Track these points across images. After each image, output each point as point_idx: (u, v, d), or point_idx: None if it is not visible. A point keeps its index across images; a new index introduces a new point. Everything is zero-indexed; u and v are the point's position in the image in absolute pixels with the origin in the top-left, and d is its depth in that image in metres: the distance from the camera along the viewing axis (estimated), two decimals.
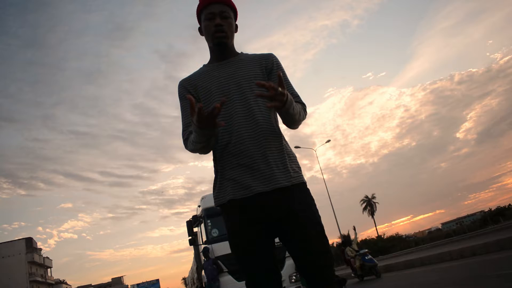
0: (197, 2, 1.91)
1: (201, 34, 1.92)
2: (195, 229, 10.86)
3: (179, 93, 1.88)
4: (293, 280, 9.50)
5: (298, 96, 1.91)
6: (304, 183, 1.79)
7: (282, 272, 9.35)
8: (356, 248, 14.18)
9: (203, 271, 9.85)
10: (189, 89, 1.85)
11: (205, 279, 9.52)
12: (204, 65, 1.94)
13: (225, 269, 9.31)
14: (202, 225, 10.17)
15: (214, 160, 1.83)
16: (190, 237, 10.46)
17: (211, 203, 10.13)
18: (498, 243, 10.39)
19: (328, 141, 33.82)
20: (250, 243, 1.67)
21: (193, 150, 1.77)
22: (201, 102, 1.77)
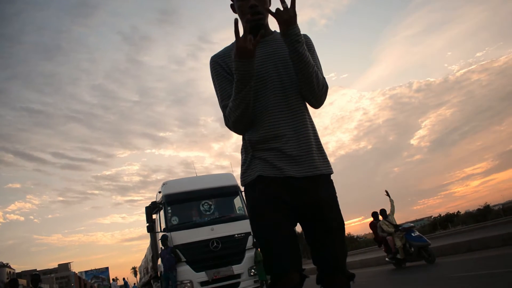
0: None
1: (234, 11, 1.84)
2: (154, 216, 10.44)
3: (212, 69, 1.82)
4: (251, 274, 9.29)
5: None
6: (331, 174, 1.78)
7: (241, 265, 9.18)
8: (394, 221, 10.25)
9: (159, 260, 9.46)
10: (221, 65, 1.79)
11: (161, 268, 9.13)
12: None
13: (183, 259, 8.95)
14: (162, 212, 9.77)
15: (244, 139, 1.79)
16: (148, 224, 10.03)
17: (172, 189, 9.87)
18: (453, 247, 10.65)
19: None
20: (275, 216, 1.63)
21: (234, 117, 1.69)
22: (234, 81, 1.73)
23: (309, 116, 1.79)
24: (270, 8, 1.78)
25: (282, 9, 1.60)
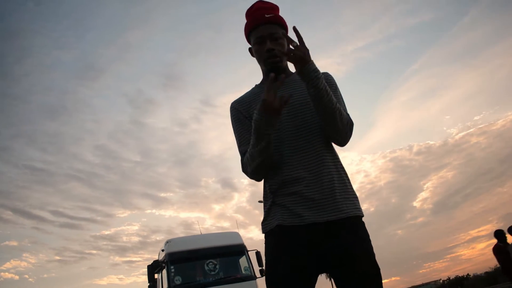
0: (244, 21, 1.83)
1: (252, 55, 1.84)
2: (156, 276, 10.00)
3: (232, 116, 1.81)
4: None
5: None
6: (361, 217, 1.66)
7: None
8: None
9: None
10: (241, 111, 1.77)
11: None
12: (256, 85, 1.86)
13: None
14: (164, 271, 9.35)
15: (264, 186, 1.74)
16: (150, 284, 9.58)
17: (176, 247, 9.50)
18: None
19: None
20: (291, 271, 1.54)
21: (252, 168, 1.67)
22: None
23: (333, 156, 1.70)
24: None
25: (292, 48, 1.57)
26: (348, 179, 1.70)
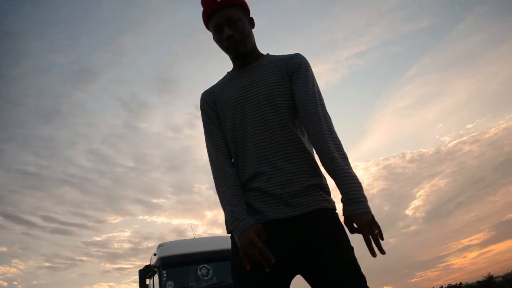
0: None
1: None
2: (147, 281, 9.77)
3: (200, 108, 1.74)
4: None
5: (322, 117, 1.55)
6: (330, 209, 1.51)
7: None
8: None
9: None
10: (209, 103, 1.71)
11: None
12: (227, 73, 1.78)
13: None
14: (156, 276, 9.15)
15: None
16: None
17: (169, 251, 9.30)
18: None
19: None
20: (253, 277, 1.40)
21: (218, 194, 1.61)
22: (221, 118, 1.66)
23: (302, 149, 1.54)
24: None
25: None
26: (320, 172, 1.55)
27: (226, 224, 1.55)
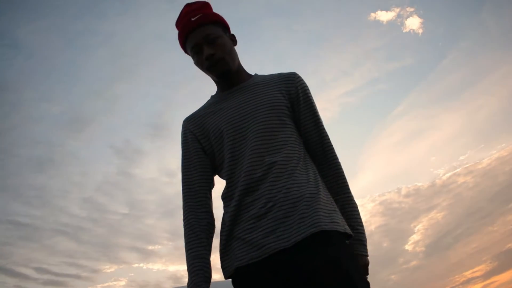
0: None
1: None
2: None
3: (181, 136, 1.49)
4: None
5: (331, 147, 1.48)
6: (340, 233, 1.23)
7: None
8: None
9: None
10: (193, 131, 1.45)
11: None
12: (211, 96, 1.53)
13: None
14: None
15: (225, 212, 1.39)
16: None
17: None
18: None
19: None
20: None
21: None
22: (213, 145, 1.40)
23: (305, 167, 1.35)
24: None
25: None
26: (326, 193, 1.33)
27: (223, 269, 1.35)
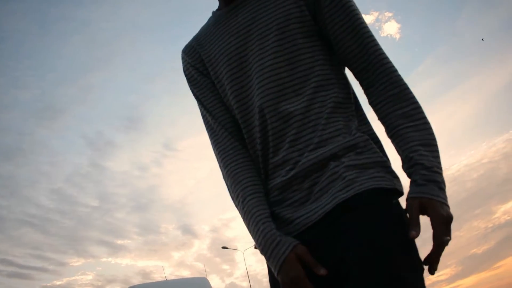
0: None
1: None
2: None
3: (183, 72, 1.19)
4: None
5: (383, 56, 0.99)
6: (384, 190, 0.90)
7: None
8: None
9: None
10: (194, 64, 1.14)
11: None
12: (212, 12, 1.18)
13: None
14: None
15: None
16: None
17: None
18: None
19: None
20: None
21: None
22: (213, 79, 1.10)
23: (345, 113, 1.00)
24: None
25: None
26: (366, 143, 0.96)
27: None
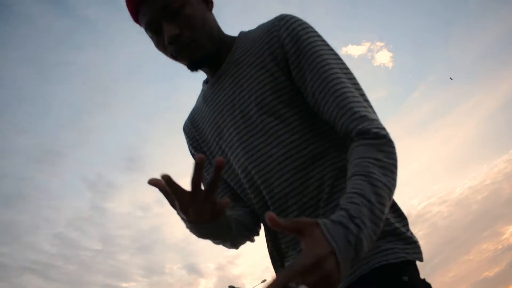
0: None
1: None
2: None
3: (186, 143, 1.19)
4: None
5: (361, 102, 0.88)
6: (395, 265, 0.84)
7: None
8: None
9: None
10: (191, 143, 1.14)
11: None
12: (202, 84, 1.15)
13: None
14: None
15: (268, 244, 1.11)
16: None
17: None
18: None
19: None
20: None
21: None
22: (210, 158, 1.11)
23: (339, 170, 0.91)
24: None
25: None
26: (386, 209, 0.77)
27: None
